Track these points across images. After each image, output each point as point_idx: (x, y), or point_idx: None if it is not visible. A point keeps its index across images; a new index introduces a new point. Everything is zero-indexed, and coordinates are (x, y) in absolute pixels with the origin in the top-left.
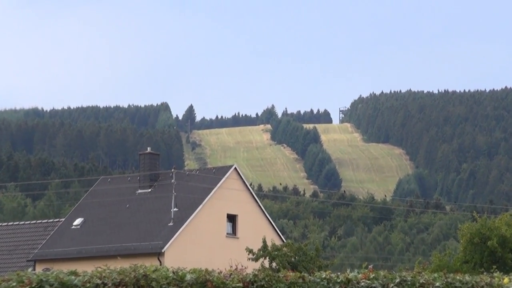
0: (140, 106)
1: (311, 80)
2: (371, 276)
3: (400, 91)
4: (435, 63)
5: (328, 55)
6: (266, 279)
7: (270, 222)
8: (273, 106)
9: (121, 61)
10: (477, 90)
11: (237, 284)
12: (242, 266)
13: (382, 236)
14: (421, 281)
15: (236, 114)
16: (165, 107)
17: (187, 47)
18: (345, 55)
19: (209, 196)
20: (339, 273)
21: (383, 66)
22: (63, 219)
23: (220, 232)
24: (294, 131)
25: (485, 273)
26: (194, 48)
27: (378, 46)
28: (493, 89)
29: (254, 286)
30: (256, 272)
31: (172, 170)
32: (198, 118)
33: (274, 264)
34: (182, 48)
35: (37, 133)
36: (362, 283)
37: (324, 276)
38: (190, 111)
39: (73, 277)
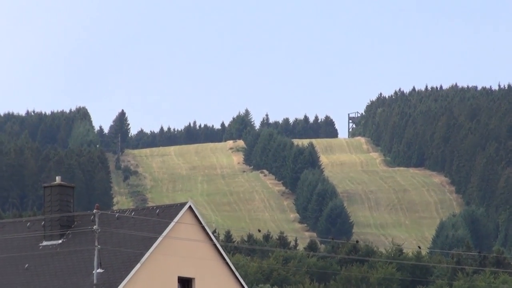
0: (45, 114)
1: (304, 73)
2: None
3: (441, 87)
4: (493, 45)
5: (330, 35)
6: None
7: None
8: (247, 112)
9: (16, 49)
10: None
11: None
12: None
13: None
14: None
15: (191, 125)
16: (82, 114)
17: (118, 31)
18: (356, 35)
19: (150, 250)
20: None
21: (414, 51)
22: None
23: None
24: (280, 150)
25: None
26: (127, 32)
27: (406, 21)
28: None
29: None
30: None
31: (94, 211)
32: (133, 131)
33: None
34: (110, 32)
35: None
36: None
37: None
38: (121, 120)
39: None
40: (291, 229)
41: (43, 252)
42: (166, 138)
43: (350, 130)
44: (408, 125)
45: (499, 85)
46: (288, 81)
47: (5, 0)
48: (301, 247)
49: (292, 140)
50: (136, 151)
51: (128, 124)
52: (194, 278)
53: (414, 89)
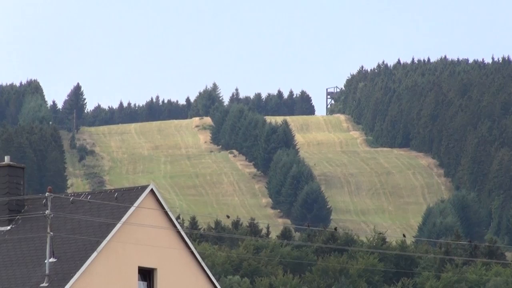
0: None
1: (278, 43)
2: None
3: (429, 60)
4: (486, 14)
5: (306, 1)
6: None
7: (211, 281)
8: (214, 87)
9: None
10: None
11: None
12: None
13: None
14: None
15: (154, 100)
16: (34, 88)
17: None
18: (336, 1)
19: (108, 238)
20: None
21: (399, 20)
22: None
23: None
24: (251, 129)
25: None
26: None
27: None
28: None
29: None
30: None
31: (47, 194)
32: (89, 106)
33: None
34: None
35: None
36: None
37: None
38: (76, 95)
39: None
40: (263, 215)
41: None
42: (126, 114)
43: (329, 106)
44: (392, 102)
45: (492, 58)
46: (260, 52)
47: None
48: (273, 235)
49: (265, 117)
50: (92, 129)
51: (84, 99)
52: (156, 269)
53: (399, 62)
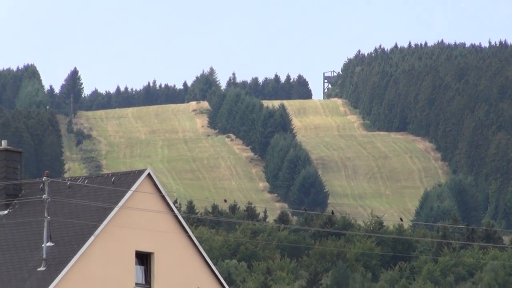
0: None
1: (275, 27)
2: None
3: (426, 44)
4: None
5: None
6: None
7: (208, 265)
8: (211, 71)
9: None
10: None
11: None
12: None
13: (397, 287)
14: None
15: (151, 85)
16: (31, 73)
17: None
18: None
19: (105, 222)
20: None
21: (396, 3)
22: None
23: (126, 281)
24: (248, 113)
25: None
26: None
27: None
28: None
29: None
30: None
31: (44, 178)
32: (86, 91)
33: None
34: None
35: None
36: None
37: None
38: (73, 79)
39: None
40: (260, 199)
41: None
42: (123, 98)
43: (326, 90)
44: (390, 86)
45: (489, 42)
46: (257, 36)
47: None
48: (271, 219)
49: (262, 101)
50: (90, 113)
51: (81, 84)
52: (153, 253)
53: (396, 46)
